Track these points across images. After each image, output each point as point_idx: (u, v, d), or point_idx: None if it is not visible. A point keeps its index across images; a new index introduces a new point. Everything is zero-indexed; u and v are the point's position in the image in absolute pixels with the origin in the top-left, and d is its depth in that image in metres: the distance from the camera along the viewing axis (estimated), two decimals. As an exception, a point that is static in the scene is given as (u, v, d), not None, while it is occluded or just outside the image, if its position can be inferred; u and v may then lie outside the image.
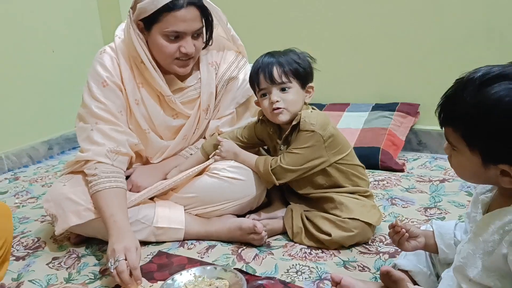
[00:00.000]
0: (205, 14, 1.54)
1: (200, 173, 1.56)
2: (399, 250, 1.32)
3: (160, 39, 1.47)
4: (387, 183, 1.95)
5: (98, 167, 1.45)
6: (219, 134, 1.65)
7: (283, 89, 1.43)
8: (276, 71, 1.42)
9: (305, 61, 1.46)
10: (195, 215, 1.55)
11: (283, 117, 1.44)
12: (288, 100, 1.42)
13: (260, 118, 1.56)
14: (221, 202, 1.53)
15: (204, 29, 1.56)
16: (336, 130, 1.46)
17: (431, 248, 1.09)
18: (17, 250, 1.55)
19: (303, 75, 1.45)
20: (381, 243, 1.44)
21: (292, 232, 1.48)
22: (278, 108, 1.42)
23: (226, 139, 1.58)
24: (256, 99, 1.54)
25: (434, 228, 1.09)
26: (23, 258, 1.50)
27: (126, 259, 1.22)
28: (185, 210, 1.54)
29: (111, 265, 1.22)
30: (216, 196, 1.53)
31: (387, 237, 1.47)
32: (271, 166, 1.45)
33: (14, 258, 1.49)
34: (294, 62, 1.43)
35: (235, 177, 1.52)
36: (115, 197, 1.40)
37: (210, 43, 1.63)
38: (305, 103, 1.48)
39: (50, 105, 2.74)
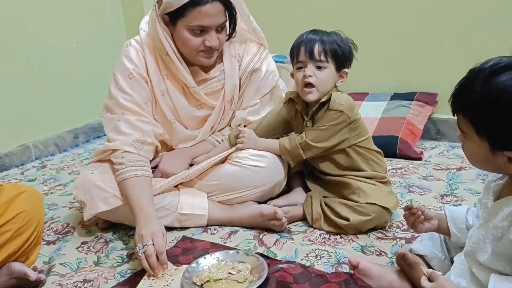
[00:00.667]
0: (229, 8, 1.58)
1: (223, 161, 1.61)
2: (416, 235, 1.36)
3: (185, 33, 1.52)
4: (405, 171, 1.97)
5: (125, 156, 1.51)
6: (245, 126, 1.70)
7: (318, 67, 1.47)
8: (316, 48, 1.46)
9: (347, 46, 1.50)
10: (218, 202, 1.61)
11: (312, 96, 1.48)
12: (320, 78, 1.46)
13: (289, 97, 1.61)
14: (243, 189, 1.58)
15: (227, 22, 1.59)
16: (359, 115, 1.53)
17: (444, 231, 1.13)
18: (48, 235, 1.63)
19: (341, 58, 1.49)
20: (398, 229, 1.48)
21: (312, 218, 1.52)
22: (310, 84, 1.46)
23: (246, 129, 1.63)
24: (281, 88, 1.63)
25: (447, 213, 1.12)
26: (53, 242, 1.58)
27: (153, 244, 1.28)
28: (208, 197, 1.59)
29: (139, 249, 1.27)
30: (238, 184, 1.57)
31: (404, 223, 1.51)
32: (297, 141, 1.50)
33: (45, 242, 1.57)
34: (336, 43, 1.48)
35: (256, 165, 1.56)
36: (141, 185, 1.46)
37: (233, 36, 1.67)
38: (335, 87, 1.51)
39: (75, 95, 2.81)
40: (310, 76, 1.46)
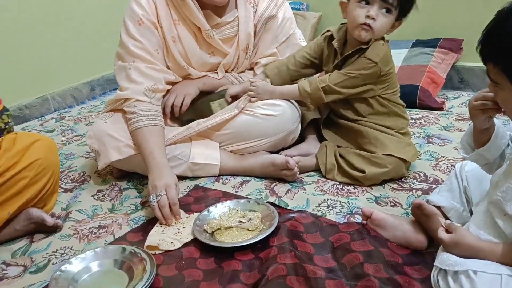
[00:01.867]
0: None
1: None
2: (433, 187, 1.33)
3: None
4: (424, 121, 1.91)
5: (137, 105, 1.49)
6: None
7: (387, 10, 1.36)
8: None
9: None
10: (230, 151, 1.59)
11: (365, 36, 1.38)
12: (380, 24, 1.36)
13: (328, 30, 1.54)
14: (255, 139, 1.56)
15: None
16: (394, 69, 1.46)
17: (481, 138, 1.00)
18: (65, 183, 1.66)
19: (407, 8, 1.38)
20: (415, 180, 1.44)
21: (325, 169, 1.50)
22: (367, 25, 1.36)
23: (259, 81, 1.57)
24: (298, 37, 1.63)
25: (496, 127, 0.97)
26: (70, 190, 1.61)
27: (166, 195, 1.28)
28: (220, 147, 1.58)
29: (153, 199, 1.28)
30: (249, 133, 1.55)
31: (421, 174, 1.47)
32: (319, 84, 1.46)
33: (63, 190, 1.60)
34: None
35: (268, 114, 1.53)
36: (154, 134, 1.45)
37: None
38: (383, 36, 1.44)
39: (90, 47, 2.78)
40: (373, 19, 1.35)
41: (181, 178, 1.56)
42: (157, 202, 1.28)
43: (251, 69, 1.71)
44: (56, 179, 1.43)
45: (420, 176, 1.46)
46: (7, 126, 1.37)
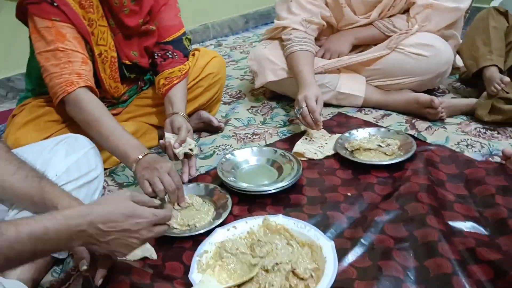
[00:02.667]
0: None
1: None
2: None
3: None
4: None
5: (293, 33, 1.65)
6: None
7: None
8: None
9: None
10: (375, 86, 1.68)
11: None
12: None
13: None
14: (402, 76, 1.62)
15: None
16: None
17: None
18: (224, 98, 1.91)
19: None
20: None
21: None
22: None
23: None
24: None
25: None
26: (229, 103, 1.86)
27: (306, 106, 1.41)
28: (366, 81, 1.68)
29: (297, 112, 1.44)
30: (398, 70, 1.62)
31: None
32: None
33: (222, 103, 1.85)
34: None
35: (420, 53, 1.58)
36: (305, 57, 1.59)
37: None
38: None
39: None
40: None
41: (326, 104, 1.70)
42: (300, 113, 1.42)
43: (405, 11, 1.71)
44: (221, 90, 1.67)
45: None
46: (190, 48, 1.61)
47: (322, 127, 1.43)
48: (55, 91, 1.20)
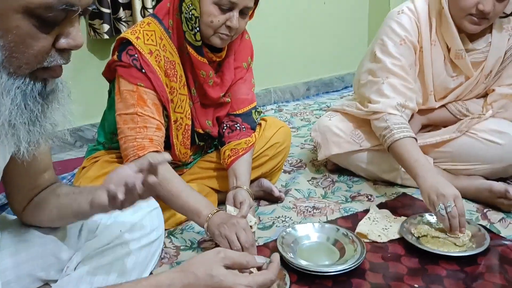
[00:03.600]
0: None
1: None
2: None
3: None
4: None
5: (389, 118, 1.52)
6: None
7: None
8: None
9: None
10: (443, 169, 1.63)
11: None
12: None
13: None
14: (473, 162, 1.56)
15: None
16: None
17: None
18: (284, 166, 1.90)
19: None
20: None
21: None
22: None
23: None
24: None
25: None
26: (289, 172, 1.85)
27: (455, 206, 1.26)
28: (434, 162, 1.63)
29: (442, 209, 1.27)
30: (468, 156, 1.57)
31: None
32: None
33: (283, 171, 1.84)
34: None
35: (493, 140, 1.52)
36: (413, 144, 1.47)
37: None
38: None
39: (312, 51, 3.07)
40: None
41: (390, 183, 1.66)
42: (448, 212, 1.25)
43: (483, 96, 1.68)
44: (284, 160, 1.67)
45: None
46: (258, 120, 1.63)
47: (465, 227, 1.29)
48: (127, 153, 1.25)
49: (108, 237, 1.03)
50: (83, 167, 1.46)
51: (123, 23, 2.18)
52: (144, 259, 1.08)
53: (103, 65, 1.36)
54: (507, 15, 1.56)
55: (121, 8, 2.16)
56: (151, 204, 1.15)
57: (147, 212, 1.12)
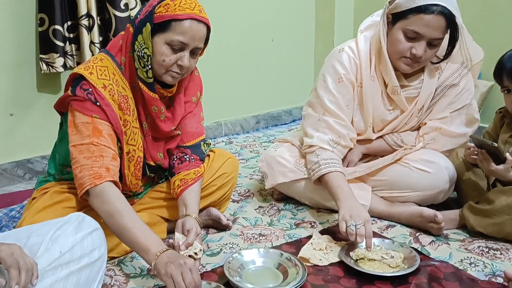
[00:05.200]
0: (452, 29, 1.60)
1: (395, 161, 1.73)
2: None
3: (399, 34, 1.59)
4: None
5: (320, 153, 1.66)
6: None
7: None
8: None
9: None
10: (381, 197, 1.75)
11: None
12: None
13: (500, 109, 1.68)
14: (407, 189, 1.69)
15: (444, 41, 1.64)
16: None
17: None
18: (233, 195, 1.97)
19: None
20: None
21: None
22: None
23: None
24: (474, 108, 1.74)
25: None
26: (237, 201, 1.92)
27: (365, 227, 1.41)
28: (372, 190, 1.75)
29: (353, 225, 1.40)
30: (402, 184, 1.70)
31: None
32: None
33: (231, 201, 1.90)
34: None
35: (423, 169, 1.66)
36: (338, 177, 1.61)
37: (447, 58, 1.69)
38: None
39: (261, 86, 3.19)
40: None
41: (332, 210, 1.76)
42: (357, 229, 1.39)
43: (417, 129, 1.82)
44: (232, 190, 1.73)
45: None
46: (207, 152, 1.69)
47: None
48: (82, 182, 1.26)
49: (47, 259, 1.04)
50: (33, 198, 1.46)
51: (69, 57, 2.19)
52: (86, 280, 1.09)
53: (54, 99, 1.40)
54: (439, 61, 1.72)
55: (67, 42, 2.17)
56: (92, 224, 1.17)
57: (88, 233, 1.14)
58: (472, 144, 1.57)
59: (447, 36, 1.65)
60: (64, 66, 2.18)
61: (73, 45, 2.21)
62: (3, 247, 0.96)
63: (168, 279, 1.13)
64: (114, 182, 1.28)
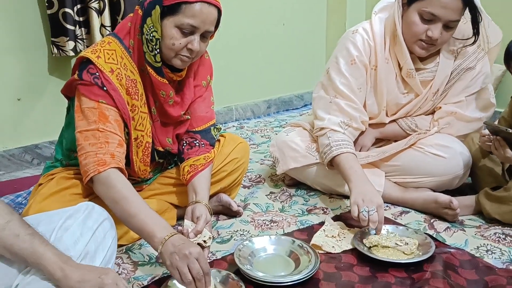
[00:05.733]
0: (471, 9, 1.55)
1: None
2: None
3: (415, 16, 1.54)
4: None
5: (331, 135, 1.64)
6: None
7: None
8: None
9: None
10: (394, 182, 1.71)
11: None
12: None
13: None
14: (421, 175, 1.65)
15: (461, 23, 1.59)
16: None
17: None
18: (244, 181, 1.94)
19: None
20: None
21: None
22: None
23: None
24: (489, 92, 1.68)
25: None
26: (248, 187, 1.89)
27: (377, 213, 1.39)
28: (386, 176, 1.71)
29: (366, 211, 1.38)
30: (417, 169, 1.66)
31: None
32: None
33: (242, 186, 1.88)
34: None
35: (438, 154, 1.62)
36: (350, 158, 1.58)
37: (475, 40, 1.62)
38: None
39: (272, 71, 3.15)
40: None
41: (345, 197, 1.73)
42: (369, 216, 1.38)
43: (432, 113, 1.77)
44: (242, 175, 1.71)
45: None
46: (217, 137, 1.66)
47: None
48: (87, 169, 1.24)
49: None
50: (39, 184, 1.45)
51: (80, 41, 2.17)
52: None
53: (63, 83, 1.37)
54: (467, 46, 1.65)
55: (77, 26, 2.14)
56: (102, 214, 1.11)
57: (100, 223, 1.08)
58: (487, 132, 1.52)
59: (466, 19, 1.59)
60: (75, 50, 2.15)
61: (83, 28, 2.18)
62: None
63: (173, 270, 1.10)
64: (119, 169, 1.26)
